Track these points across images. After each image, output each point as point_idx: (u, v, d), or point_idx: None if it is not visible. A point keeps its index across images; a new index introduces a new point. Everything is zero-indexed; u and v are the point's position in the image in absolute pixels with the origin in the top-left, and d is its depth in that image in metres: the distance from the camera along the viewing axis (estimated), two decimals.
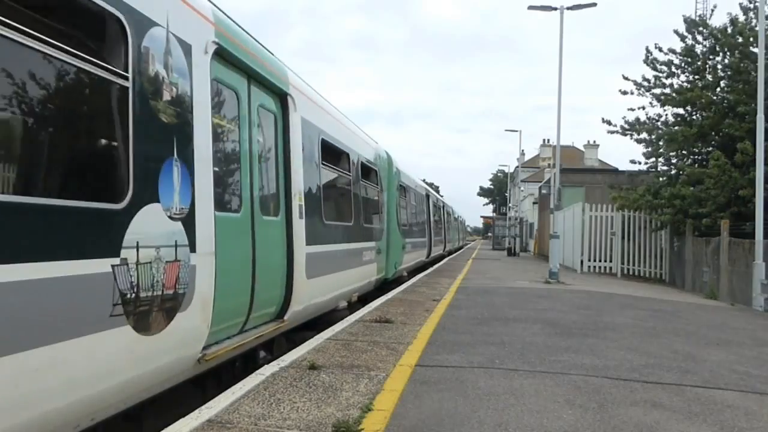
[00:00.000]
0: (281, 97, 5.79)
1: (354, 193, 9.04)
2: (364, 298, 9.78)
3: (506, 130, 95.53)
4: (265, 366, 4.70)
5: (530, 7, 17.29)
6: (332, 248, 7.41)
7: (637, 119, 17.95)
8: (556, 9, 17.03)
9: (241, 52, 4.83)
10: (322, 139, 7.13)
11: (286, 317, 5.71)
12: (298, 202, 5.89)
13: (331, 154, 7.82)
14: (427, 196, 19.90)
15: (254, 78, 5.18)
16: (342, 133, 8.44)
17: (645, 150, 18.29)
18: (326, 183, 7.40)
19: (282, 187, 5.74)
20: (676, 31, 17.28)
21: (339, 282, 7.78)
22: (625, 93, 18.05)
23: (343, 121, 8.76)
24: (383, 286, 11.72)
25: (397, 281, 12.97)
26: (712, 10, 20.58)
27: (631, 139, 18.24)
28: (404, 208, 14.47)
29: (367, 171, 10.28)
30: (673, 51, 17.29)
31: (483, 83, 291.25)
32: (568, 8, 16.90)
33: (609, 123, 18.26)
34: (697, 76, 16.78)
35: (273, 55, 5.84)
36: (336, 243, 7.65)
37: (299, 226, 5.89)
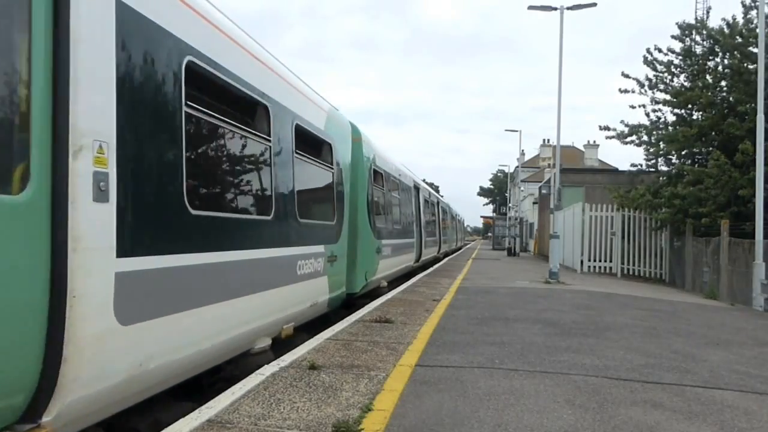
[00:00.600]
0: None
1: (277, 170, 5.55)
2: (326, 320, 7.50)
3: (506, 130, 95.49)
4: (265, 366, 4.70)
5: (530, 7, 17.30)
6: (211, 259, 4.12)
7: (636, 125, 17.97)
8: (556, 9, 17.05)
9: None
10: (191, 63, 3.95)
11: (45, 420, 2.72)
12: (90, 164, 2.90)
13: (218, 95, 4.52)
14: (417, 188, 16.80)
15: None
16: (248, 66, 5.00)
17: (645, 151, 18.34)
18: (200, 142, 4.33)
19: (39, 125, 2.69)
20: (674, 36, 17.32)
21: (235, 316, 4.56)
22: (625, 92, 18.07)
23: (255, 51, 5.29)
24: (351, 302, 8.91)
25: (372, 294, 10.13)
26: (708, 12, 20.65)
27: (632, 144, 18.29)
28: (381, 201, 11.23)
29: (312, 142, 6.97)
30: (672, 51, 17.33)
31: (482, 83, 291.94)
32: (568, 8, 16.91)
33: (607, 128, 18.29)
34: (696, 77, 16.79)
35: None
36: (226, 249, 4.38)
37: (92, 215, 2.91)
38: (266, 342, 5.34)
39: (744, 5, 15.97)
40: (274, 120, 5.55)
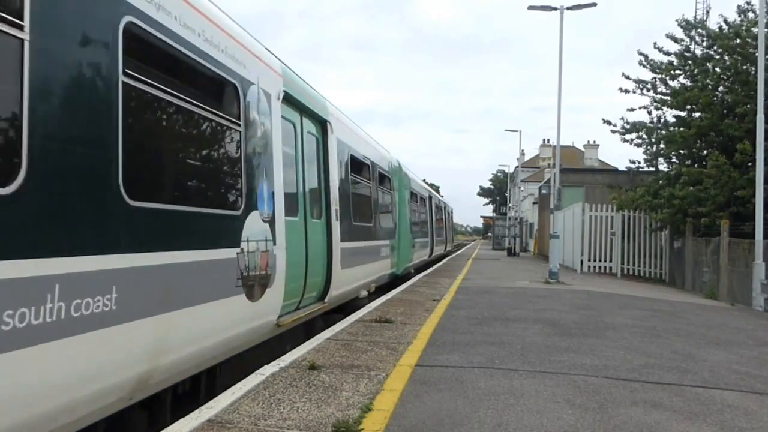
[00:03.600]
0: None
1: (373, 196, 10.42)
2: None
3: (506, 130, 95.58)
4: (265, 366, 4.70)
5: (530, 7, 17.31)
6: (359, 245, 8.88)
7: (635, 123, 17.99)
8: (556, 9, 17.05)
9: (297, 94, 6.10)
10: (353, 156, 8.95)
11: (326, 300, 7.04)
12: (335, 207, 7.25)
13: (360, 167, 9.54)
14: (431, 197, 19.28)
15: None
16: (369, 149, 10.34)
17: (646, 151, 18.36)
18: (357, 192, 9.14)
19: (324, 196, 7.04)
20: (669, 36, 17.31)
21: (367, 272, 9.53)
22: (626, 92, 18.08)
23: (368, 140, 10.52)
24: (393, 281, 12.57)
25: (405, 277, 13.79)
26: (707, 12, 20.60)
27: (631, 144, 18.32)
28: (413, 212, 15.85)
29: (384, 178, 11.90)
30: (668, 53, 17.35)
31: (481, 84, 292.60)
32: (568, 8, 16.91)
33: (609, 123, 18.31)
34: (696, 78, 16.79)
35: (316, 91, 7.11)
36: (362, 240, 9.03)
37: (336, 226, 7.23)
38: (365, 293, 9.45)
39: (739, 10, 16.03)
40: (372, 171, 10.25)
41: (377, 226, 10.34)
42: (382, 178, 11.40)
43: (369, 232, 9.56)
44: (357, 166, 8.98)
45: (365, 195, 9.71)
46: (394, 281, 12.68)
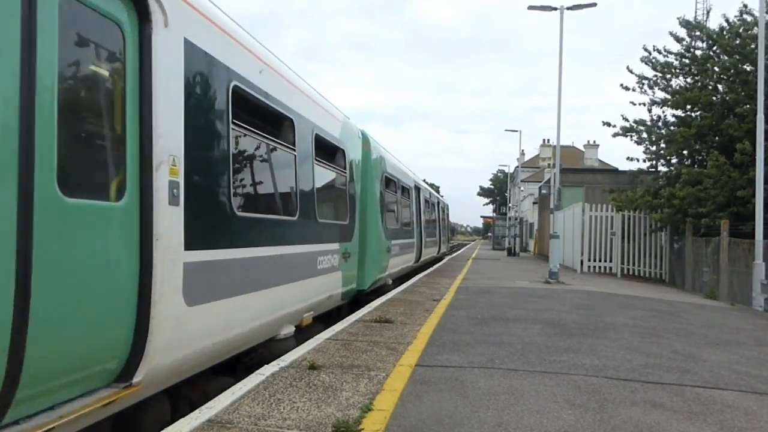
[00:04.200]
0: None
1: (300, 175, 6.15)
2: None
3: (506, 130, 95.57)
4: (265, 366, 4.70)
5: (530, 7, 17.31)
6: (251, 254, 4.76)
7: (636, 120, 18.04)
8: (556, 9, 17.06)
9: None
10: (236, 87, 4.59)
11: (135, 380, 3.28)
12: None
13: (255, 112, 5.19)
14: (418, 188, 16.14)
15: None
16: (278, 86, 5.63)
17: (645, 151, 18.40)
18: (243, 154, 4.95)
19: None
20: (672, 34, 17.40)
21: (272, 303, 5.29)
22: (627, 89, 18.11)
23: (284, 72, 5.92)
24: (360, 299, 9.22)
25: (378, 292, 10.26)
26: (708, 12, 20.76)
27: (631, 140, 18.36)
28: (391, 205, 11.92)
29: (328, 149, 7.50)
30: (670, 52, 17.41)
31: (481, 84, 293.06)
32: (568, 8, 16.91)
33: (609, 125, 18.37)
34: (696, 77, 16.82)
35: None
36: (262, 245, 5.01)
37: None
38: (290, 329, 5.91)
39: (738, 12, 16.14)
40: (298, 131, 6.10)
41: (308, 220, 6.37)
42: (326, 149, 7.38)
43: (285, 231, 5.65)
44: (254, 112, 5.04)
45: (276, 167, 5.74)
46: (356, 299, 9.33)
